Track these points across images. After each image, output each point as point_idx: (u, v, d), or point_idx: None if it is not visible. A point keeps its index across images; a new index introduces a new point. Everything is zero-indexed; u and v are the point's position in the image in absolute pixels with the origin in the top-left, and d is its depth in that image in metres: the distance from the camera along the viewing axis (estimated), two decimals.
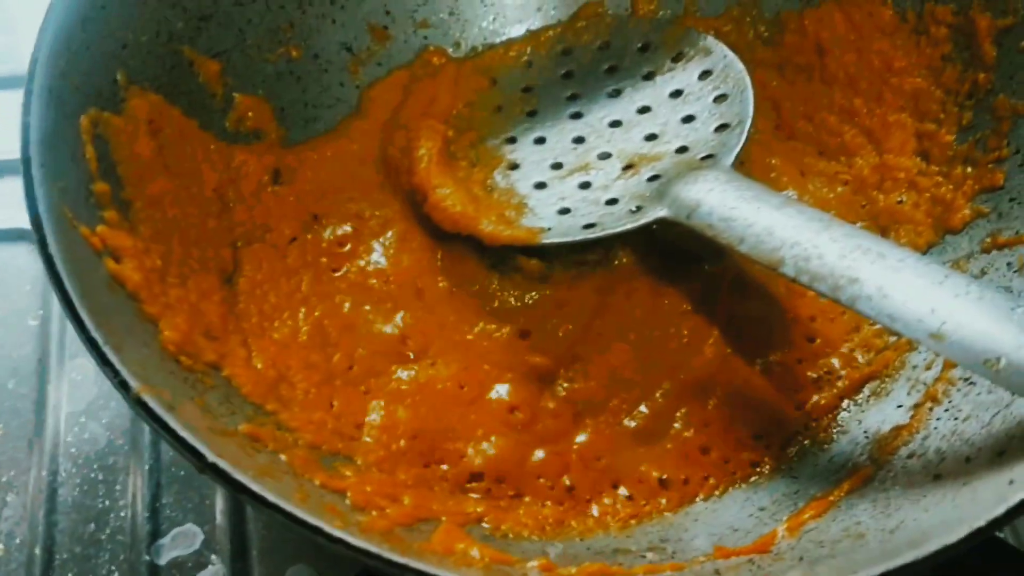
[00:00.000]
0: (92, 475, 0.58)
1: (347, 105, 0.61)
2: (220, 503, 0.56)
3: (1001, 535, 0.51)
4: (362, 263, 0.57)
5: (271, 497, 0.35)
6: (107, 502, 0.57)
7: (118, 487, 0.57)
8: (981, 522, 0.35)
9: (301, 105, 0.59)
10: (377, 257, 0.57)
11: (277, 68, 0.58)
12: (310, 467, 0.44)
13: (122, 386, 0.37)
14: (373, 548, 0.34)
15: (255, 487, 0.35)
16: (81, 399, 0.60)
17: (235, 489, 0.35)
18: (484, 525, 0.47)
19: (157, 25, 0.51)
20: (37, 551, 0.55)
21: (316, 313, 0.54)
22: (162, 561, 0.55)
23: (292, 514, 0.34)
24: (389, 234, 0.58)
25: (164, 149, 0.50)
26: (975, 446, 0.43)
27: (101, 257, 0.43)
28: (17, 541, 0.55)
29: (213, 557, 0.55)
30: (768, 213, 0.47)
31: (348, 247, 0.57)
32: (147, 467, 0.58)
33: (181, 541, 0.55)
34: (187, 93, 0.53)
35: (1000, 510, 0.35)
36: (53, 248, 0.39)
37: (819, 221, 0.46)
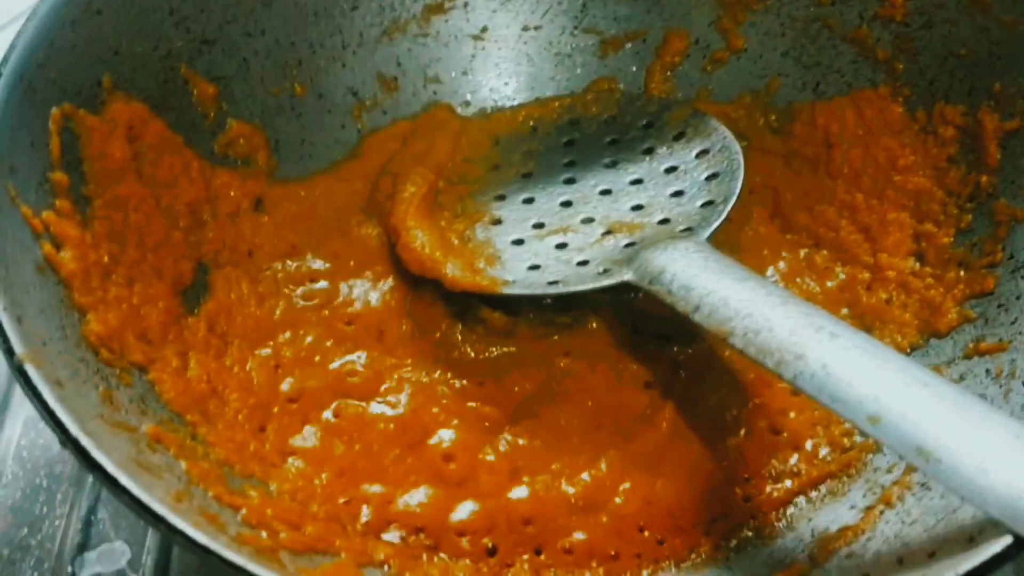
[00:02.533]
0: (37, 480, 0.57)
1: (344, 147, 0.61)
2: None
3: None
4: (332, 300, 0.56)
5: (124, 479, 0.33)
6: (45, 509, 0.56)
7: (59, 495, 0.56)
8: None
9: (298, 141, 0.60)
10: (347, 296, 0.56)
11: (279, 102, 0.59)
12: (209, 479, 0.42)
13: (7, 352, 0.36)
14: (212, 545, 0.32)
15: (110, 467, 0.34)
16: None
17: (90, 467, 0.34)
18: (386, 568, 0.44)
19: (156, 40, 0.52)
20: None
21: (278, 340, 0.54)
22: (83, 574, 0.53)
23: (136, 496, 0.33)
24: (364, 276, 0.57)
25: (140, 156, 0.50)
26: (911, 548, 0.39)
27: (38, 240, 0.43)
28: None
29: None
30: (728, 284, 0.45)
31: (321, 283, 0.57)
32: (91, 480, 0.57)
33: (107, 557, 0.54)
34: (176, 108, 0.54)
35: None
36: None
37: (778, 297, 0.44)
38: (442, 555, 0.47)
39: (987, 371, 0.47)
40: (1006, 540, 0.34)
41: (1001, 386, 0.46)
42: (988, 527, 0.35)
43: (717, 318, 0.44)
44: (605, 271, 0.52)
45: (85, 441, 0.34)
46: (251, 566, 0.32)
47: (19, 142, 0.44)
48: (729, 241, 0.57)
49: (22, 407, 0.60)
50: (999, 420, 0.36)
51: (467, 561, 0.47)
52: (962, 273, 0.52)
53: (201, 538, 0.32)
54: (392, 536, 0.47)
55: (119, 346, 0.44)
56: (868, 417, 0.38)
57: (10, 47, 0.45)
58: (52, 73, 0.46)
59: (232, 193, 0.56)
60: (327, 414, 0.51)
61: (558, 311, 0.55)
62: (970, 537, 0.36)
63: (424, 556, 0.47)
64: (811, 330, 0.41)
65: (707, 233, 0.51)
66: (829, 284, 0.56)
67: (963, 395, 0.37)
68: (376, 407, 0.52)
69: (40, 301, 0.41)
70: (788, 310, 0.43)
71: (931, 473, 0.36)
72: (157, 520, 0.33)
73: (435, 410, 0.52)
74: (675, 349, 0.54)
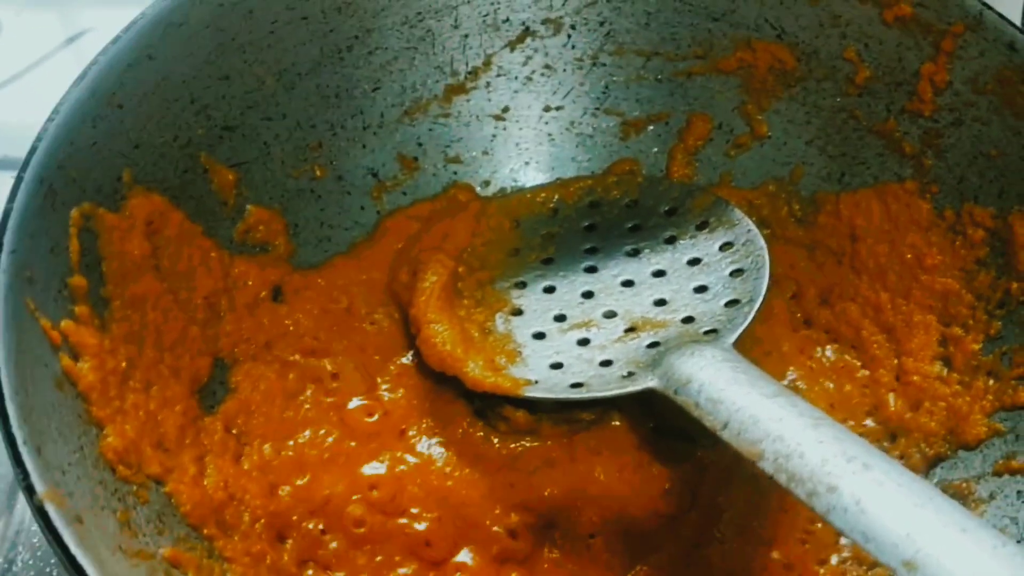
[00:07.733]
0: (47, 569, 0.56)
1: (363, 228, 0.60)
2: None
3: None
4: (355, 396, 0.55)
5: None
6: None
7: None
8: None
9: (317, 224, 0.59)
10: (371, 392, 0.55)
11: (298, 185, 0.58)
12: None
13: (27, 490, 0.35)
14: None
15: None
16: None
17: None
18: None
19: (176, 130, 0.52)
20: None
21: (298, 440, 0.52)
22: None
23: None
24: (386, 371, 0.56)
25: (159, 250, 0.49)
26: None
27: (57, 352, 0.42)
28: None
29: None
30: (757, 400, 0.44)
31: (343, 379, 0.56)
32: None
33: None
34: (196, 198, 0.53)
35: None
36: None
37: (809, 418, 0.43)
38: None
39: (1018, 492, 0.46)
40: None
41: None
42: None
43: (747, 438, 0.43)
44: (630, 374, 0.51)
45: None
46: None
47: (38, 249, 0.42)
48: (748, 334, 0.56)
49: None
50: None
51: None
52: (991, 383, 0.51)
53: None
54: None
55: (136, 460, 0.43)
56: (904, 562, 0.37)
57: (30, 150, 0.44)
58: (72, 173, 0.45)
59: (250, 282, 0.55)
60: (348, 525, 0.50)
61: (580, 408, 0.54)
62: None
63: None
64: (843, 459, 0.40)
65: (733, 338, 0.50)
66: (848, 387, 0.55)
67: (1003, 542, 0.36)
68: (398, 519, 0.51)
69: (58, 423, 0.40)
70: (820, 433, 0.42)
71: None
72: None
73: (457, 523, 0.51)
74: (699, 452, 0.53)
